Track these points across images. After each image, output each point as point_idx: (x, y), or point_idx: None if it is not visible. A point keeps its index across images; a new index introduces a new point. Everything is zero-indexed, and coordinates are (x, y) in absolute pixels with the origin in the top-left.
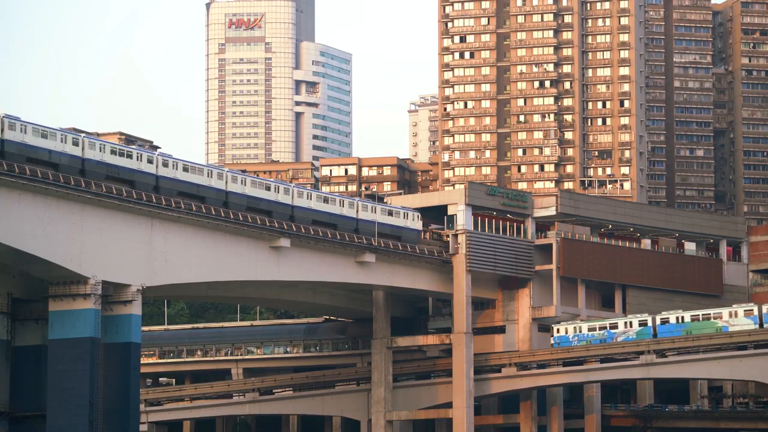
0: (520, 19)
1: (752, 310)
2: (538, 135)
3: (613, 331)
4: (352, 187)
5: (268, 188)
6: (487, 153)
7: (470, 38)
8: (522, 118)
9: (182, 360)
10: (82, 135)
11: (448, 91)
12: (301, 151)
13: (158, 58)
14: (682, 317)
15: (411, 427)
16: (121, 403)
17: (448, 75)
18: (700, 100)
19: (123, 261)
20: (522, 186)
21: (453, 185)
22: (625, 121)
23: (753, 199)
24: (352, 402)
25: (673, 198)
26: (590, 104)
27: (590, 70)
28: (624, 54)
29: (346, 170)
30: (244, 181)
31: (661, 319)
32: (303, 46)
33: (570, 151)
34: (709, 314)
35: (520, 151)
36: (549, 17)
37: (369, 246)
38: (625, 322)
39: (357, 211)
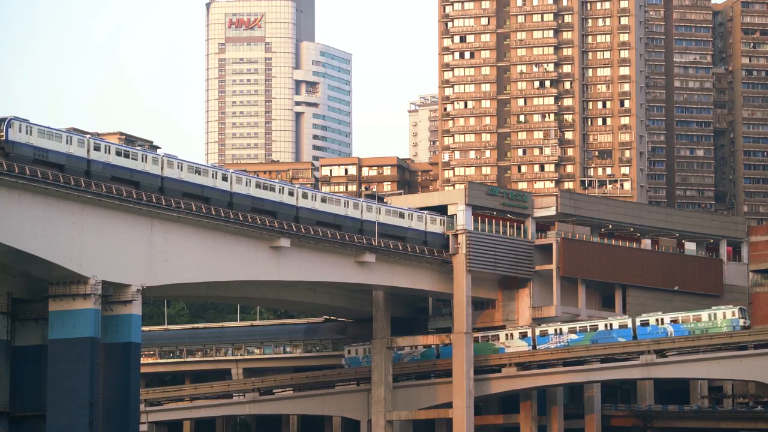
0: (520, 18)
1: (526, 332)
2: (538, 135)
3: (399, 352)
4: (352, 187)
5: (401, 216)
6: (487, 153)
7: (470, 38)
8: (522, 118)
9: (182, 360)
10: (231, 171)
11: (448, 91)
12: (301, 151)
13: (158, 58)
14: None
15: (411, 427)
16: (121, 403)
17: (448, 75)
18: (700, 100)
19: (123, 261)
20: (522, 186)
21: (453, 185)
22: (625, 121)
23: (753, 199)
24: (352, 402)
25: (673, 198)
26: (590, 104)
27: (590, 70)
28: (624, 54)
29: (346, 170)
30: (379, 210)
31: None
32: (303, 46)
33: (570, 151)
34: (487, 336)
35: (520, 151)
36: (549, 17)
37: (369, 246)
38: (412, 346)
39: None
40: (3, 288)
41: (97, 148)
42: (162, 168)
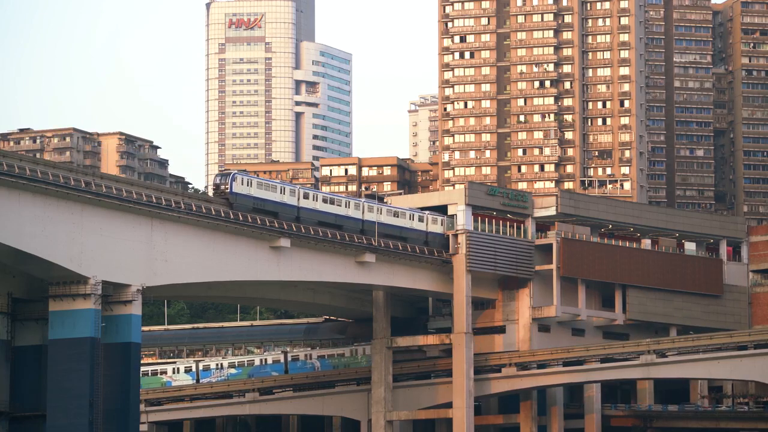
0: (520, 18)
1: (191, 367)
2: (538, 135)
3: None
4: (352, 187)
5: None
6: (487, 153)
7: (470, 38)
8: (522, 118)
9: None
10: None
11: (448, 91)
12: (301, 151)
13: (158, 58)
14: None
15: (411, 427)
16: (121, 403)
17: (448, 75)
18: (700, 100)
19: (123, 261)
20: (522, 186)
21: (453, 185)
22: (625, 121)
23: (753, 199)
24: (352, 402)
25: (673, 198)
26: (590, 104)
27: (590, 70)
28: (624, 54)
29: (346, 170)
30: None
31: None
32: (303, 46)
33: (570, 151)
34: (157, 370)
35: (520, 151)
36: (549, 17)
37: (369, 246)
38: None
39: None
40: (3, 288)
41: (305, 197)
42: (363, 212)
